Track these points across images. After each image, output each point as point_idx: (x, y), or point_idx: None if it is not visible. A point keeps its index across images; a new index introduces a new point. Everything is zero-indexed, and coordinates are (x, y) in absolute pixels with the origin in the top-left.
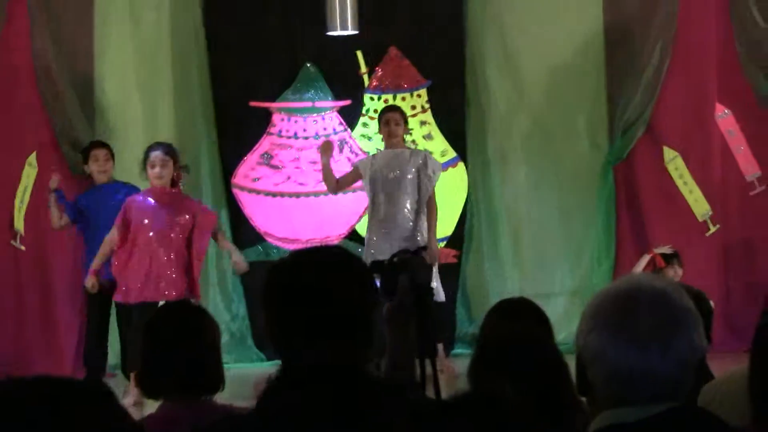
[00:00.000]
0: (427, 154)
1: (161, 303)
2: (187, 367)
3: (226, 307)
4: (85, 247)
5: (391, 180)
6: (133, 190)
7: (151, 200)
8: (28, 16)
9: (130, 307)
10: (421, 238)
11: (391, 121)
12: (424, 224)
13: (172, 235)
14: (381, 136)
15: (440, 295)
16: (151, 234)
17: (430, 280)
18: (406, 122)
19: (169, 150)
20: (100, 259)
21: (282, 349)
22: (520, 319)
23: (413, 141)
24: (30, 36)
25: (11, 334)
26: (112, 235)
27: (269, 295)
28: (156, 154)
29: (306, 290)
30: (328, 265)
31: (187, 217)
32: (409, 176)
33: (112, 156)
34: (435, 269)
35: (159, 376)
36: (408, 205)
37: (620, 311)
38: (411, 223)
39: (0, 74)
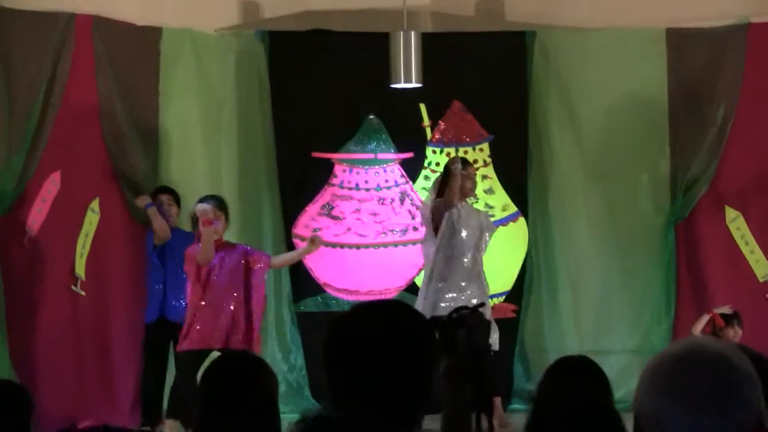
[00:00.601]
0: (488, 216)
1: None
2: (244, 419)
3: (283, 357)
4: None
5: (464, 233)
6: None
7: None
8: (95, 61)
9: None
10: (480, 294)
11: (474, 177)
12: (482, 280)
13: (233, 284)
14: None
15: (495, 344)
16: (216, 285)
17: (488, 338)
18: None
19: (221, 204)
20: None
21: (341, 402)
22: (579, 378)
23: (474, 195)
24: (95, 82)
25: (70, 379)
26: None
27: (329, 348)
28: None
29: (366, 345)
30: (389, 319)
31: (242, 262)
32: (477, 232)
33: (177, 202)
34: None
35: (217, 428)
36: (468, 258)
37: (677, 373)
38: (468, 276)
39: (64, 119)
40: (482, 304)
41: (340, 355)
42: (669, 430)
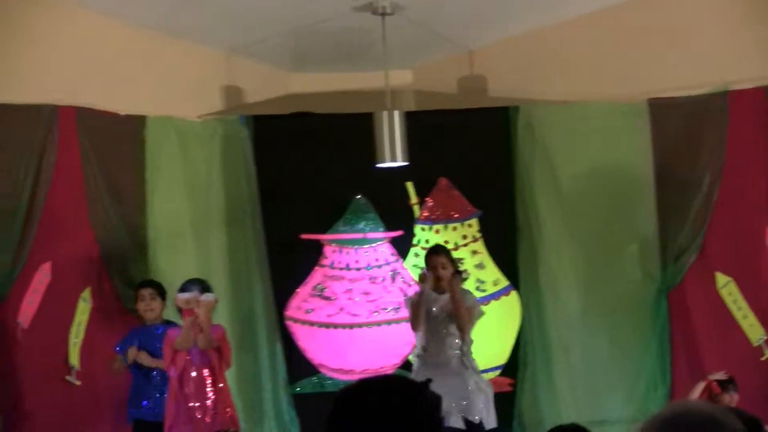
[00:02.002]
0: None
1: None
2: None
3: None
4: (132, 383)
5: (437, 319)
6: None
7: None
8: (80, 152)
9: None
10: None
11: (438, 265)
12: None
13: (209, 364)
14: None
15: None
16: (193, 373)
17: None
18: (452, 261)
19: (205, 287)
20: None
21: None
22: None
23: (465, 270)
24: (81, 172)
25: None
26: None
27: (335, 423)
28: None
29: (374, 420)
30: (396, 393)
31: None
32: (440, 319)
33: (161, 294)
34: (491, 395)
35: None
36: (454, 345)
37: None
38: (457, 360)
39: (52, 211)
40: (430, 380)
41: (345, 429)
42: None
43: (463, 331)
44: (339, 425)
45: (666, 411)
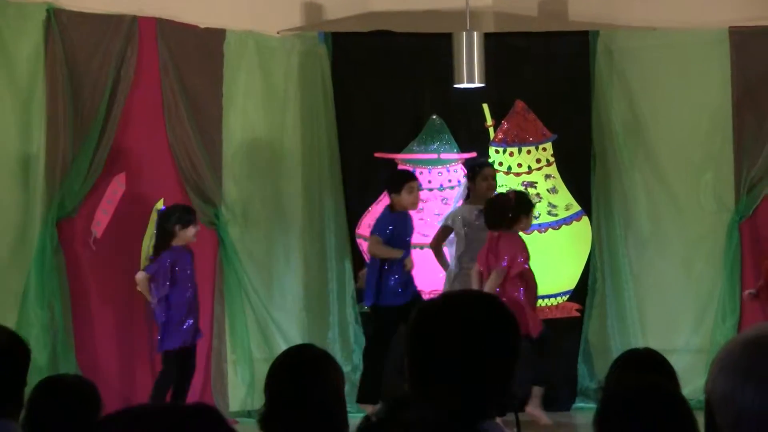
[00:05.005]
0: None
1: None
2: (310, 412)
3: (346, 357)
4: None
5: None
6: None
7: None
8: (159, 63)
9: None
10: None
11: (490, 177)
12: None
13: None
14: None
15: None
16: None
17: None
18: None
19: None
20: None
21: (419, 387)
22: (646, 369)
23: (537, 194)
24: (160, 84)
25: (134, 379)
26: None
27: (417, 333)
28: None
29: (457, 334)
30: (482, 309)
31: None
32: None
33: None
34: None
35: (283, 421)
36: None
37: (748, 356)
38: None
39: (129, 121)
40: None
41: (427, 341)
42: (739, 412)
43: None
44: (422, 335)
45: (749, 331)
